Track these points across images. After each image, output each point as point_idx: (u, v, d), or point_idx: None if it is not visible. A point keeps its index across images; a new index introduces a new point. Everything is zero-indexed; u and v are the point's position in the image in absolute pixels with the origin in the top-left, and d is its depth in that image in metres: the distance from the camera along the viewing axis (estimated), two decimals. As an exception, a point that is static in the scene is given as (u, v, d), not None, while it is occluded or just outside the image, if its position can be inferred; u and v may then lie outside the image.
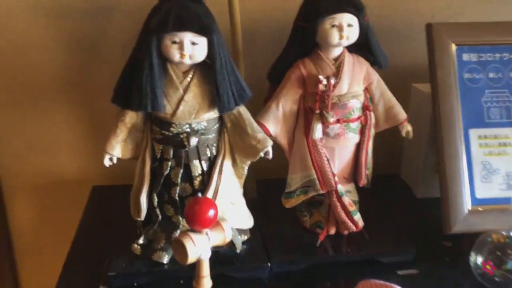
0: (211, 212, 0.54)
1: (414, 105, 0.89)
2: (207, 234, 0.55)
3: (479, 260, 0.65)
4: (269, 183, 0.80)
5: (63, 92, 0.86)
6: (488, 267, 0.63)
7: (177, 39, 0.56)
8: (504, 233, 0.64)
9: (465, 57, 0.72)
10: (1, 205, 0.92)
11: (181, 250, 0.54)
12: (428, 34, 0.72)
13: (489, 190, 0.70)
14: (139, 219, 0.64)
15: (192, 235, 0.54)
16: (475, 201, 0.69)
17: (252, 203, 0.80)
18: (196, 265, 0.56)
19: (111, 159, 0.62)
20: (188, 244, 0.53)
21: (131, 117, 0.61)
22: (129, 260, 0.65)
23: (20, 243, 0.97)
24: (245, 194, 0.83)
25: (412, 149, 0.91)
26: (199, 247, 0.54)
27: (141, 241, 0.65)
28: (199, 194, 0.55)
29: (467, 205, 0.68)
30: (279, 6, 0.83)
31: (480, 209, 0.69)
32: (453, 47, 0.72)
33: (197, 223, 0.54)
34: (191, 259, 0.54)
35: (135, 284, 0.64)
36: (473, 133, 0.71)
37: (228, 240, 0.57)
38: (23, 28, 0.81)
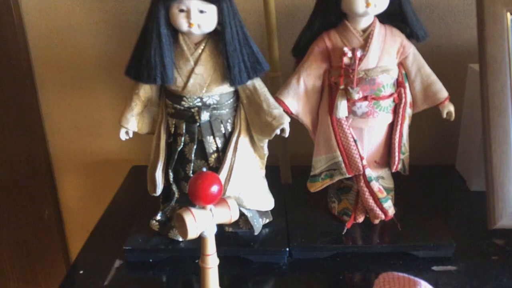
0: (214, 188, 0.52)
1: (471, 88, 0.81)
2: (211, 210, 0.53)
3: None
4: (306, 169, 0.76)
5: (107, 73, 0.89)
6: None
7: (184, 7, 0.54)
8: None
9: (524, 28, 0.62)
10: (52, 183, 0.97)
11: (182, 224, 0.52)
12: (479, 3, 0.63)
13: (547, 181, 0.60)
14: (155, 194, 0.63)
15: (194, 210, 0.52)
16: (528, 193, 0.60)
17: (286, 189, 0.77)
18: (201, 242, 0.54)
19: (127, 133, 0.62)
20: (187, 218, 0.51)
21: (145, 91, 0.60)
22: (146, 236, 0.65)
23: (70, 220, 1.02)
24: (279, 180, 0.80)
25: (468, 137, 0.82)
26: (200, 222, 0.52)
27: (158, 217, 0.65)
28: (204, 169, 0.53)
29: (517, 197, 0.59)
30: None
31: (534, 202, 0.59)
32: (509, 16, 0.62)
33: (199, 198, 0.52)
34: (191, 234, 0.52)
35: (150, 260, 0.64)
36: (529, 114, 0.61)
37: (234, 218, 0.55)
38: (67, 10, 0.84)
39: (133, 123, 0.61)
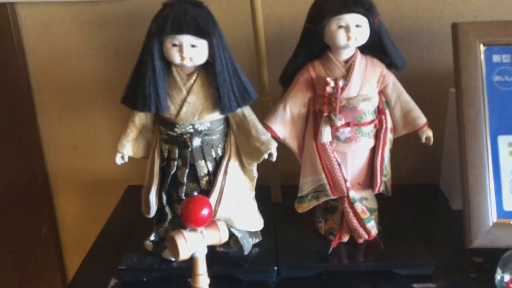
0: (204, 211, 0.55)
1: (452, 111, 0.84)
2: (201, 232, 0.56)
3: (505, 277, 0.59)
4: (296, 188, 0.79)
5: (104, 97, 0.92)
6: (512, 285, 0.58)
7: (177, 42, 0.58)
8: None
9: (496, 58, 0.67)
10: (50, 202, 1.00)
11: (174, 246, 0.55)
12: (454, 34, 0.67)
13: (520, 202, 0.63)
14: (148, 216, 0.67)
15: (185, 232, 0.55)
16: (502, 213, 0.64)
17: (276, 208, 0.80)
18: (192, 263, 0.58)
19: (122, 158, 0.65)
20: (179, 241, 0.54)
21: (140, 118, 0.64)
22: (141, 256, 0.68)
23: (67, 239, 1.04)
24: (270, 199, 0.83)
25: (450, 157, 0.86)
26: (191, 244, 0.55)
27: (152, 237, 0.68)
28: (195, 193, 0.56)
29: (492, 217, 0.63)
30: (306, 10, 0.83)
31: (509, 222, 0.63)
32: (481, 47, 0.67)
33: (190, 221, 0.55)
34: (183, 255, 0.55)
35: (144, 279, 0.67)
36: (503, 140, 0.65)
37: (224, 240, 0.58)
38: (67, 36, 0.88)
39: (128, 148, 0.65)
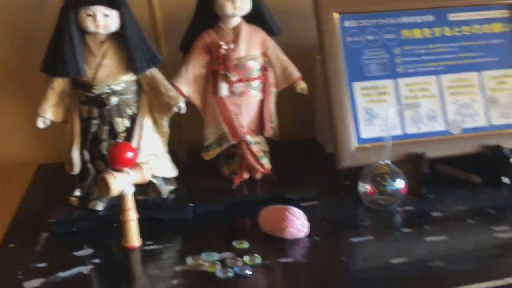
0: (129, 154, 0.66)
1: (319, 74, 1.03)
2: (128, 172, 0.66)
3: (365, 187, 0.78)
4: (198, 151, 0.91)
5: (8, 80, 0.96)
6: (372, 191, 0.77)
7: (91, 12, 0.67)
8: (382, 162, 0.77)
9: (347, 23, 0.86)
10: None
11: (105, 185, 0.64)
12: (315, 6, 0.85)
13: (372, 131, 0.83)
14: (72, 173, 0.74)
15: (115, 172, 0.65)
16: (360, 140, 0.83)
17: (183, 165, 0.92)
18: (121, 199, 0.67)
19: (44, 122, 0.72)
20: (110, 179, 0.64)
21: (58, 84, 0.72)
22: (68, 210, 0.75)
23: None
24: (178, 158, 0.95)
25: (322, 112, 1.05)
26: (120, 182, 0.65)
27: (77, 193, 0.76)
28: (119, 140, 0.66)
29: (354, 143, 0.82)
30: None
31: (367, 146, 0.82)
32: (336, 16, 0.85)
33: (117, 162, 0.65)
34: (114, 190, 0.65)
35: (74, 230, 0.74)
36: (356, 85, 0.85)
37: (147, 178, 0.69)
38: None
39: (49, 112, 0.72)
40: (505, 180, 0.82)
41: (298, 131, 1.12)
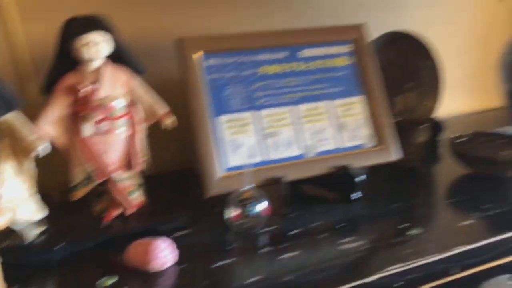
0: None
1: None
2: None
3: (231, 213, 0.83)
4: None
5: None
6: (237, 216, 0.83)
7: None
8: (246, 188, 0.84)
9: (210, 62, 0.93)
10: None
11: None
12: (178, 47, 0.91)
13: (238, 160, 0.90)
14: None
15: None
16: (228, 169, 0.89)
17: (55, 205, 0.91)
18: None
19: None
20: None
21: None
22: None
23: None
24: (51, 198, 0.94)
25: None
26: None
27: None
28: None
29: (220, 173, 0.88)
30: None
31: (233, 174, 0.88)
32: (198, 55, 0.92)
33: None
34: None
35: None
36: (222, 119, 0.91)
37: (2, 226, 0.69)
38: None
39: None
40: (354, 196, 0.93)
41: (183, 161, 1.16)
